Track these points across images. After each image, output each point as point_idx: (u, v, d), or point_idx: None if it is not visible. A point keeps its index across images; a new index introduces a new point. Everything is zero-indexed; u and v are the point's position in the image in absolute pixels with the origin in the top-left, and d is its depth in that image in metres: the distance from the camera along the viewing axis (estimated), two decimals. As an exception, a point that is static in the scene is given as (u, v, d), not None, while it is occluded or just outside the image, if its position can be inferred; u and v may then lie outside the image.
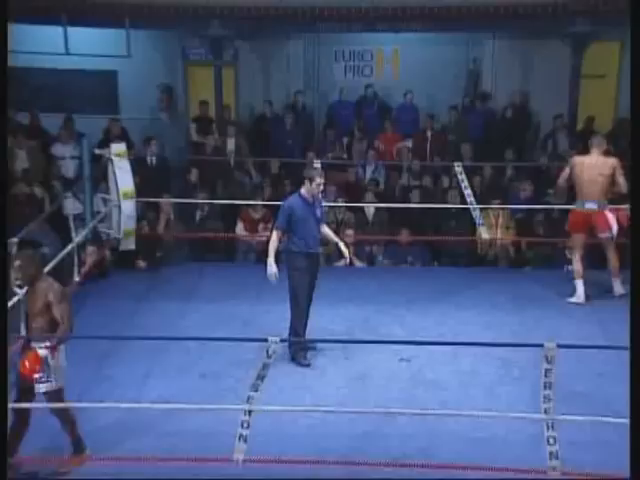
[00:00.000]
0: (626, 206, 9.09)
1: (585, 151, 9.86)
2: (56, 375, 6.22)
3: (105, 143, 12.49)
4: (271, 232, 8.15)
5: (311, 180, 7.91)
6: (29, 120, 14.06)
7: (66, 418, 6.33)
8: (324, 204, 8.63)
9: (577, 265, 9.58)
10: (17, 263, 6.30)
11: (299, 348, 7.99)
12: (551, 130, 13.84)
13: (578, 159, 9.60)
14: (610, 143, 13.60)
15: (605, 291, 9.88)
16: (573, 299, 9.56)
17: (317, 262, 8.19)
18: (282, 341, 6.67)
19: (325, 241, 8.43)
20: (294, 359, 8.00)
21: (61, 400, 6.29)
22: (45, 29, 13.62)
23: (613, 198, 9.67)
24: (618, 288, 9.58)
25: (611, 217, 9.42)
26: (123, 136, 13.00)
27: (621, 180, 9.24)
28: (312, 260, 8.03)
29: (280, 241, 7.97)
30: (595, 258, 10.77)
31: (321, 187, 8.01)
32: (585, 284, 9.91)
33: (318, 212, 8.07)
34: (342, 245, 8.32)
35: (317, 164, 10.63)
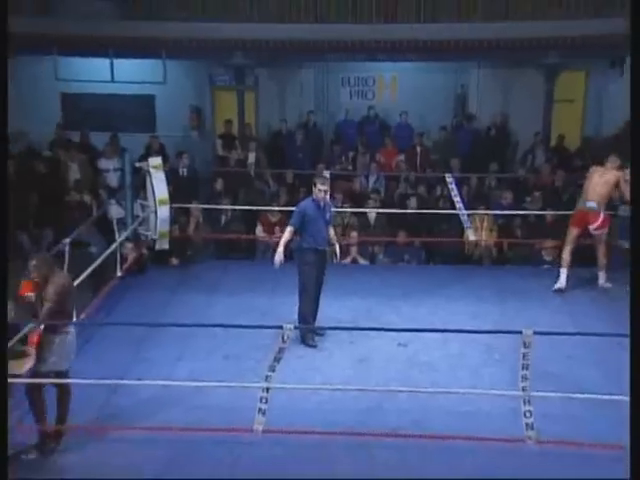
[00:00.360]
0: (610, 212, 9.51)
1: (599, 163, 9.86)
2: (56, 358, 6.11)
3: (146, 157, 12.58)
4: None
5: (315, 185, 7.93)
6: (80, 138, 14.09)
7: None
8: (333, 209, 8.59)
9: (566, 255, 9.57)
10: (33, 263, 6.22)
11: (307, 332, 7.99)
12: (531, 146, 13.79)
13: (593, 168, 9.65)
14: (577, 157, 13.68)
15: (576, 287, 9.85)
16: (557, 285, 9.54)
17: (324, 258, 8.16)
18: (295, 328, 6.69)
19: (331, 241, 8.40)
20: (303, 341, 7.98)
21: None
22: (95, 61, 13.70)
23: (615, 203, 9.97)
24: (602, 280, 9.62)
25: (605, 218, 9.42)
26: (161, 151, 13.04)
27: (624, 188, 9.24)
28: (320, 256, 8.02)
29: (292, 238, 7.95)
30: (573, 258, 10.78)
31: (322, 192, 7.92)
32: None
33: (327, 215, 8.06)
34: (337, 246, 8.29)
35: (326, 174, 10.63)
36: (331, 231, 8.26)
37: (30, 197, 11.99)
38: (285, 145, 13.96)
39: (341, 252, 8.51)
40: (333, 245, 8.26)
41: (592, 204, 9.40)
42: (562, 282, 9.56)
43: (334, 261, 8.71)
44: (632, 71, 5.72)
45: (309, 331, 8.01)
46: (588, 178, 9.58)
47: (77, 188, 12.40)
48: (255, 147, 13.42)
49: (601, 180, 9.41)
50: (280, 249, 7.82)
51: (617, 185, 9.35)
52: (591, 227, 9.42)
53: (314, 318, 8.15)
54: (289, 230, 7.93)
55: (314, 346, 7.94)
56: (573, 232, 9.60)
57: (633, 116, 5.74)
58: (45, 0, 12.99)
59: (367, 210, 11.73)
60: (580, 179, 12.47)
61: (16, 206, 11.70)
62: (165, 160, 12.01)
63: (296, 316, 8.02)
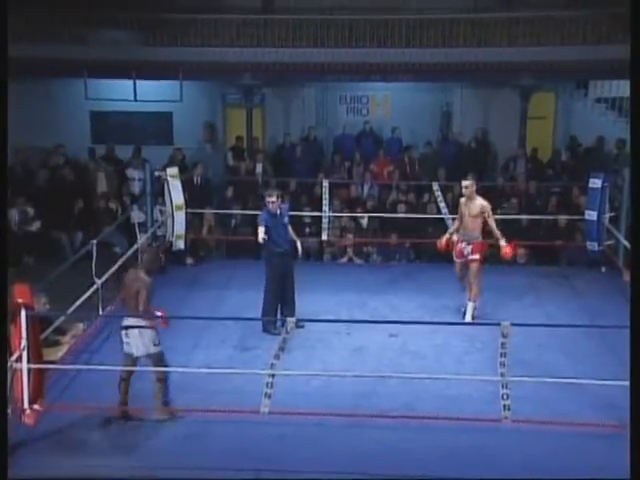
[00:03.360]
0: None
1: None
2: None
3: (168, 167, 12.66)
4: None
5: (264, 198, 8.07)
6: (106, 151, 14.10)
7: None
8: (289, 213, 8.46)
9: (475, 289, 8.53)
10: (146, 256, 6.50)
11: (268, 322, 8.00)
12: (513, 155, 13.78)
13: (462, 200, 8.60)
14: (549, 167, 13.72)
15: (547, 283, 9.87)
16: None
17: (289, 256, 8.15)
18: (299, 320, 6.69)
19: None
20: (265, 329, 7.99)
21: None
22: (120, 82, 13.72)
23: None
24: (470, 313, 8.49)
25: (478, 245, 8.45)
26: (183, 162, 13.06)
27: (490, 223, 8.38)
28: (283, 256, 8.06)
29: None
30: (545, 257, 10.81)
31: (270, 203, 7.93)
32: (531, 276, 9.93)
33: (284, 219, 8.10)
34: (298, 243, 8.20)
35: (325, 183, 10.67)
36: (290, 231, 8.22)
37: (68, 202, 12.03)
38: (289, 156, 13.94)
39: (338, 252, 8.50)
40: (295, 242, 8.22)
41: (470, 234, 8.42)
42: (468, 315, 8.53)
43: (298, 255, 8.38)
44: (632, 71, 5.52)
45: (270, 322, 8.00)
46: (460, 209, 8.57)
47: (104, 196, 12.42)
48: (262, 158, 13.41)
49: (467, 210, 8.40)
50: (260, 233, 7.84)
51: (484, 215, 8.30)
52: (469, 257, 8.40)
53: (288, 310, 8.04)
54: (261, 229, 7.89)
55: (277, 334, 7.44)
56: (458, 265, 8.58)
57: (633, 116, 5.57)
58: (78, 30, 13.03)
59: (362, 215, 11.73)
60: (551, 187, 12.58)
61: (56, 211, 11.83)
62: (185, 170, 12.05)
63: (299, 310, 8.02)
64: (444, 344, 7.90)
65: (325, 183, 10.85)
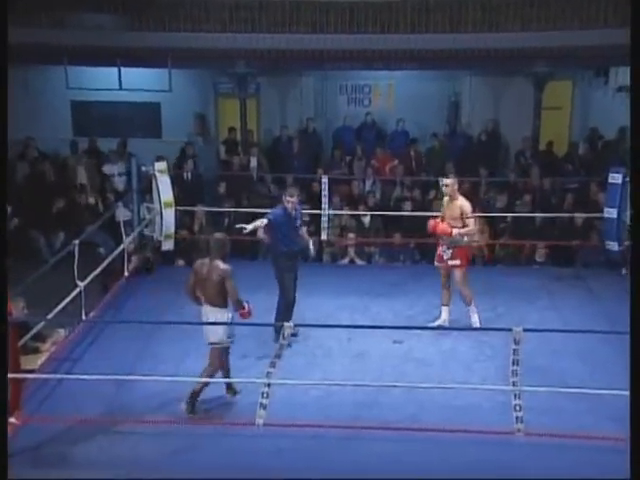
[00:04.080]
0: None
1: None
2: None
3: (183, 161, 12.89)
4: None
5: (284, 196, 8.10)
6: (88, 143, 14.11)
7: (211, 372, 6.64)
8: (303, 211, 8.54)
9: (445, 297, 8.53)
10: (215, 244, 6.73)
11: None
12: (526, 148, 13.76)
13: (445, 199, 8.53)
14: (566, 162, 13.73)
15: (561, 285, 9.88)
16: (437, 322, 8.49)
17: (295, 258, 8.16)
18: (296, 326, 6.71)
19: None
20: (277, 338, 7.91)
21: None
22: (103, 70, 13.69)
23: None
24: (475, 317, 8.38)
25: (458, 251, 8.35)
26: (194, 156, 13.18)
27: (468, 224, 8.29)
28: (291, 257, 8.06)
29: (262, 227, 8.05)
30: (560, 258, 10.82)
31: (290, 203, 7.97)
32: (545, 279, 9.94)
33: (297, 221, 8.12)
34: (310, 242, 8.27)
35: (324, 179, 10.68)
36: (302, 232, 8.29)
37: (47, 199, 12.04)
38: (285, 150, 13.94)
39: (339, 253, 8.52)
40: (307, 242, 8.24)
41: (447, 237, 8.34)
42: (443, 317, 8.51)
43: (310, 253, 8.44)
44: (632, 71, 5.62)
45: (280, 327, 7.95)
46: (442, 210, 8.54)
47: (86, 192, 12.44)
48: (257, 152, 13.42)
49: (448, 212, 8.34)
50: (254, 223, 7.92)
51: (463, 215, 8.23)
52: (449, 262, 8.35)
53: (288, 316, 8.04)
54: (262, 220, 7.93)
55: (287, 344, 7.71)
56: (441, 271, 8.50)
57: (633, 116, 5.65)
58: (57, 13, 12.98)
59: (364, 213, 11.74)
60: (567, 183, 12.60)
61: (34, 209, 11.84)
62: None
63: (296, 315, 8.03)
64: (451, 351, 7.92)
65: (324, 179, 10.86)
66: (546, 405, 6.44)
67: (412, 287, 9.86)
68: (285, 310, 8.00)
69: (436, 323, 8.46)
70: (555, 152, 14.06)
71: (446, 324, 8.45)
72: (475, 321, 8.37)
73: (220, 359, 6.61)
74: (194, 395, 6.54)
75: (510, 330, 6.04)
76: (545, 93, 13.67)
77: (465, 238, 8.34)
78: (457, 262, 8.32)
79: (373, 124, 14.64)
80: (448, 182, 8.33)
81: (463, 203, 8.28)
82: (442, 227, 8.30)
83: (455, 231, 8.20)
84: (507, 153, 14.65)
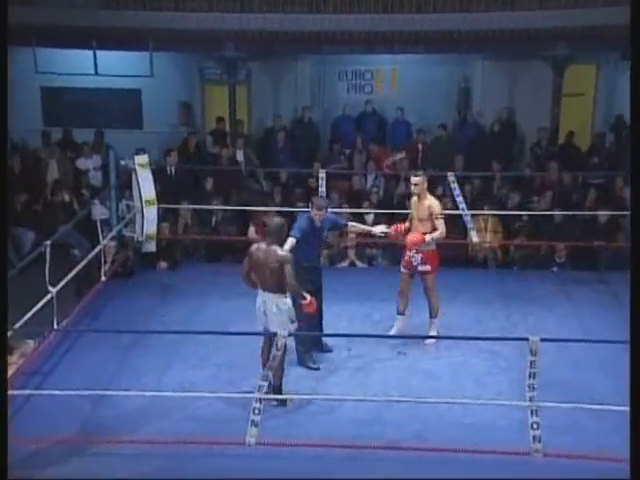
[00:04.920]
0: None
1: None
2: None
3: (185, 155, 12.94)
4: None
5: (311, 207, 7.85)
6: (62, 135, 14.10)
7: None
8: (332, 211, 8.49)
9: (402, 304, 8.59)
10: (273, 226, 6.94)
11: (306, 352, 7.83)
12: (544, 139, 13.77)
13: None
14: (588, 154, 13.73)
15: (582, 290, 9.88)
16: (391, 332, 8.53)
17: (318, 274, 8.00)
18: (290, 335, 6.70)
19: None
20: (302, 363, 7.79)
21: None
22: (77, 53, 13.66)
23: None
24: (434, 332, 8.41)
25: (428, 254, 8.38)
26: (197, 148, 13.38)
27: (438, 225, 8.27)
28: (312, 273, 7.86)
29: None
30: (582, 260, 10.82)
31: (318, 216, 7.76)
32: (566, 283, 9.94)
33: (324, 233, 8.09)
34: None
35: (322, 174, 10.66)
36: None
37: (15, 196, 12.02)
38: (279, 142, 13.94)
39: (338, 255, 8.49)
40: (332, 248, 8.23)
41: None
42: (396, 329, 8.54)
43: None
44: (632, 70, 5.72)
45: (307, 351, 7.86)
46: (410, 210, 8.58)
47: (59, 188, 12.42)
48: (242, 144, 13.37)
49: (416, 212, 8.37)
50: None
51: (432, 216, 8.19)
52: (418, 267, 8.36)
53: (317, 339, 8.05)
54: (291, 241, 7.56)
55: (316, 369, 7.75)
56: (403, 277, 8.52)
57: (633, 116, 5.78)
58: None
59: (365, 211, 11.73)
60: (590, 177, 12.60)
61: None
62: (203, 158, 12.23)
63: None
64: (462, 362, 7.92)
65: (322, 174, 10.84)
66: (566, 423, 6.43)
67: (417, 292, 9.84)
68: (307, 338, 7.84)
69: (391, 333, 8.45)
70: (576, 143, 14.06)
71: (397, 334, 8.43)
72: (431, 340, 8.28)
73: (286, 345, 6.75)
74: (277, 390, 6.79)
75: (526, 340, 6.05)
76: (566, 78, 13.66)
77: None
78: (428, 268, 8.33)
79: (374, 113, 14.64)
80: (417, 180, 8.28)
81: (432, 202, 8.27)
82: (413, 238, 8.24)
83: (427, 237, 8.19)
84: (523, 145, 14.66)
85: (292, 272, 6.73)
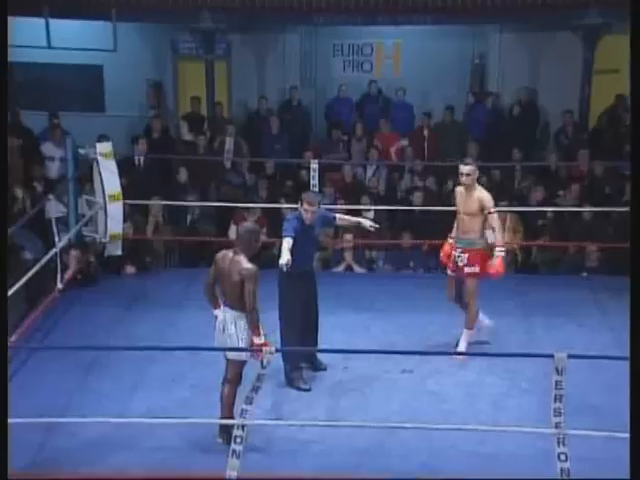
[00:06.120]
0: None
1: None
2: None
3: (149, 139, 12.89)
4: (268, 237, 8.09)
5: (301, 204, 7.83)
6: (9, 118, 14.06)
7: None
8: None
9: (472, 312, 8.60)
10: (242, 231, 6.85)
11: (294, 370, 7.85)
12: (571, 124, 13.79)
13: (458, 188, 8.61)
14: (626, 141, 13.74)
15: (617, 299, 9.88)
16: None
17: (311, 279, 8.07)
18: (277, 351, 6.69)
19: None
20: (290, 383, 7.82)
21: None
22: (25, 21, 13.57)
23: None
24: (464, 344, 8.52)
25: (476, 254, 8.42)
26: (166, 133, 13.37)
27: (493, 226, 8.41)
28: (305, 278, 7.93)
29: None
30: (616, 264, 10.82)
31: (309, 213, 7.74)
32: (598, 290, 9.95)
33: (316, 231, 8.03)
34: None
35: (314, 164, 10.65)
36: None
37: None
38: (264, 128, 13.95)
39: (333, 258, 8.49)
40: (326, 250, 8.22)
41: (466, 238, 8.39)
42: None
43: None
44: (632, 69, 5.93)
45: (296, 369, 7.87)
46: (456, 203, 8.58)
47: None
48: (234, 131, 13.40)
49: (463, 206, 8.40)
50: (285, 252, 7.53)
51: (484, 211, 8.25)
52: (464, 269, 8.39)
53: (309, 355, 8.08)
54: (288, 241, 7.60)
55: (307, 389, 7.77)
56: (450, 281, 8.65)
57: (633, 115, 5.93)
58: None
59: (364, 207, 11.73)
60: (625, 168, 12.61)
61: None
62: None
63: (277, 336, 8.02)
64: (476, 383, 7.93)
65: (314, 164, 10.84)
66: (598, 453, 6.43)
67: (425, 301, 9.86)
68: (297, 342, 7.85)
69: (461, 348, 8.50)
70: (610, 128, 14.07)
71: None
72: (462, 348, 8.42)
73: (240, 374, 6.73)
74: (226, 425, 6.63)
75: (551, 357, 6.03)
76: (598, 52, 13.68)
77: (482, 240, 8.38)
78: (475, 269, 8.35)
79: (379, 94, 14.65)
80: (469, 170, 8.33)
81: (482, 195, 8.31)
82: (451, 257, 8.42)
83: (499, 252, 8.25)
84: (547, 131, 14.70)
85: (254, 292, 6.52)
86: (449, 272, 8.57)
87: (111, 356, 8.10)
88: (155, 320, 9.24)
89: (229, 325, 6.69)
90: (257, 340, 6.53)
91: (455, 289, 8.57)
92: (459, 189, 8.50)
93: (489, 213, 8.24)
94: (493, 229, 8.30)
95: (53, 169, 12.95)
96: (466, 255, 8.33)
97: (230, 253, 6.75)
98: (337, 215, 8.49)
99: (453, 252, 8.46)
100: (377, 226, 8.54)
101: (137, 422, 6.75)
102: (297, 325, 7.86)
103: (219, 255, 6.85)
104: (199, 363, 7.98)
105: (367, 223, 8.41)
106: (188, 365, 8.00)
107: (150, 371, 7.96)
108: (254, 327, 6.55)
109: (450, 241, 8.54)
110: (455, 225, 8.55)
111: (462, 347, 8.45)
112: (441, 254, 8.68)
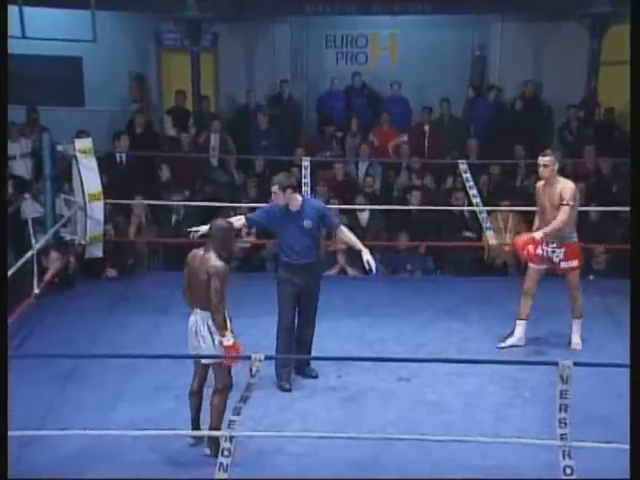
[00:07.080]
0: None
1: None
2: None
3: (132, 135, 12.86)
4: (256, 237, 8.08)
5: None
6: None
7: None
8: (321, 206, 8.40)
9: (525, 307, 8.92)
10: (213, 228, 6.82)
11: (282, 369, 7.95)
12: (576, 118, 13.81)
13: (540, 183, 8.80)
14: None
15: (628, 304, 9.89)
16: (509, 341, 8.87)
17: (307, 275, 8.00)
18: (267, 358, 6.69)
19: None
20: (276, 379, 7.95)
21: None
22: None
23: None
24: (576, 338, 8.88)
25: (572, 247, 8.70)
26: (149, 128, 13.32)
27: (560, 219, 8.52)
28: (297, 272, 7.92)
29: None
30: (624, 267, 10.83)
31: (273, 194, 7.82)
32: (606, 294, 9.98)
33: (304, 222, 7.86)
34: (366, 254, 8.15)
35: (306, 162, 10.66)
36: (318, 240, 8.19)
37: None
38: (253, 124, 13.96)
39: (325, 260, 8.44)
40: (323, 255, 8.18)
41: (560, 233, 8.53)
42: (517, 336, 8.90)
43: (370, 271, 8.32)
44: (631, 68, 5.99)
45: (285, 366, 7.95)
46: (538, 198, 8.75)
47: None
48: (219, 127, 13.41)
49: (547, 200, 8.55)
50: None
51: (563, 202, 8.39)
52: (561, 264, 8.62)
53: (302, 351, 8.10)
54: (240, 220, 7.88)
55: (287, 389, 7.88)
56: (533, 274, 8.82)
57: (633, 115, 6.11)
58: None
59: (359, 207, 11.75)
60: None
61: None
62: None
63: (267, 342, 8.00)
64: (477, 392, 7.93)
65: (305, 162, 10.86)
66: (606, 467, 6.43)
67: (423, 305, 9.88)
68: (283, 349, 7.92)
69: (508, 343, 8.74)
70: (618, 123, 14.10)
71: (522, 344, 8.75)
72: (576, 340, 8.80)
73: (230, 379, 6.71)
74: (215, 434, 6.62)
75: (555, 364, 6.04)
76: (606, 42, 13.68)
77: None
78: (575, 264, 8.65)
79: (363, 87, 14.68)
80: (546, 161, 8.52)
81: (565, 186, 8.48)
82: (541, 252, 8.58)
83: (538, 235, 8.42)
84: (551, 126, 14.71)
85: (220, 290, 6.48)
86: (533, 265, 8.70)
87: (91, 364, 8.09)
88: (138, 326, 9.24)
89: (201, 327, 6.67)
90: (225, 341, 6.51)
91: (535, 282, 8.79)
92: (538, 184, 8.71)
93: (561, 204, 8.37)
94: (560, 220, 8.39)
95: (24, 167, 12.91)
96: (562, 250, 8.54)
97: (200, 252, 6.74)
98: (342, 227, 8.28)
99: (544, 247, 8.57)
100: (374, 272, 8.33)
101: (119, 434, 6.75)
102: (283, 320, 7.97)
103: (190, 255, 6.83)
104: (185, 371, 7.94)
105: (366, 257, 8.18)
106: (173, 374, 7.98)
107: (133, 380, 7.95)
108: (220, 327, 6.52)
109: (535, 236, 8.50)
110: (537, 221, 8.74)
111: (576, 339, 8.82)
112: (522, 250, 8.66)
